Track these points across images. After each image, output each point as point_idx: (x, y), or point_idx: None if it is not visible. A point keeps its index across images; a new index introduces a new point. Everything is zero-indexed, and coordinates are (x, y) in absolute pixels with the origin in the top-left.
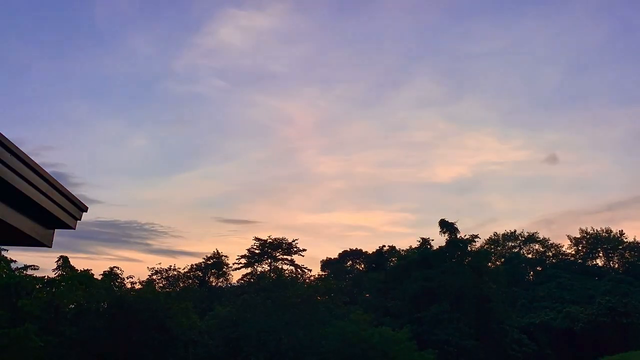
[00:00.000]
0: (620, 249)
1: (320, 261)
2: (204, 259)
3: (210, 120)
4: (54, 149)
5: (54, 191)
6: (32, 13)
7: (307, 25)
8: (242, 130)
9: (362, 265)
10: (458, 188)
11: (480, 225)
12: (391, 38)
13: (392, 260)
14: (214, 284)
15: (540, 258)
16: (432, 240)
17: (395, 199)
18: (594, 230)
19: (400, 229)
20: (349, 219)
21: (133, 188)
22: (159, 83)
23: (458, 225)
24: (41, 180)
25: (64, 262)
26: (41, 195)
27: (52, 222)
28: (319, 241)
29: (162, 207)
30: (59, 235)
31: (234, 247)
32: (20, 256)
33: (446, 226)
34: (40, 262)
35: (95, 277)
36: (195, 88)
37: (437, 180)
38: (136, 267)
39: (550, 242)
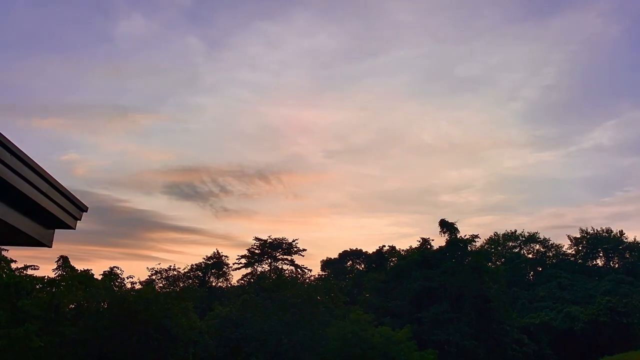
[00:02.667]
0: (620, 249)
1: (320, 261)
2: (204, 259)
3: (226, 128)
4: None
5: (54, 191)
6: (53, 27)
7: (326, 39)
8: (256, 136)
9: (362, 265)
10: (469, 190)
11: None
12: (407, 52)
13: (392, 260)
14: (214, 284)
15: (540, 258)
16: (432, 240)
17: (405, 203)
18: (594, 230)
19: (410, 230)
20: (357, 223)
21: None
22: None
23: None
24: (41, 180)
25: (64, 262)
26: (41, 195)
27: (52, 222)
28: (326, 243)
29: None
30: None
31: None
32: (20, 256)
33: (446, 226)
34: (40, 262)
35: (95, 277)
36: (215, 97)
37: (447, 182)
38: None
39: (550, 242)
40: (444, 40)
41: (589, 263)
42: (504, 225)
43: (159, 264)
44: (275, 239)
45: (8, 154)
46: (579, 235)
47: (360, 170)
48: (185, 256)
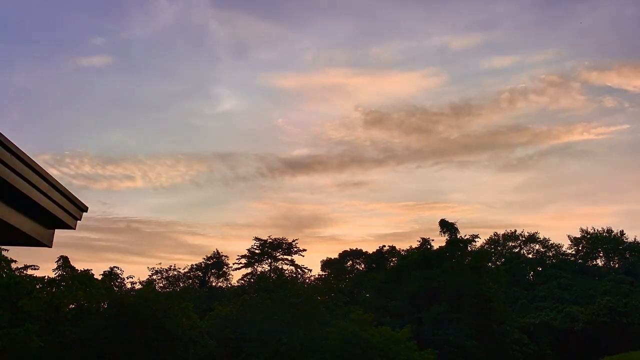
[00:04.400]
0: (620, 249)
1: (320, 261)
2: (204, 258)
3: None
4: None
5: (54, 191)
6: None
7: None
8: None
9: (362, 265)
10: (477, 188)
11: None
12: (416, 45)
13: (392, 260)
14: (214, 284)
15: (540, 258)
16: (432, 240)
17: (412, 202)
18: (594, 230)
19: (415, 229)
20: (361, 222)
21: None
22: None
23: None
24: (41, 180)
25: (64, 262)
26: (41, 195)
27: (52, 222)
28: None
29: None
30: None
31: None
32: (21, 256)
33: (446, 226)
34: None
35: (95, 277)
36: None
37: (456, 181)
38: None
39: (550, 242)
40: (458, 33)
41: (589, 263)
42: (511, 224)
43: (159, 263)
44: (275, 239)
45: (8, 154)
46: (579, 235)
47: (366, 169)
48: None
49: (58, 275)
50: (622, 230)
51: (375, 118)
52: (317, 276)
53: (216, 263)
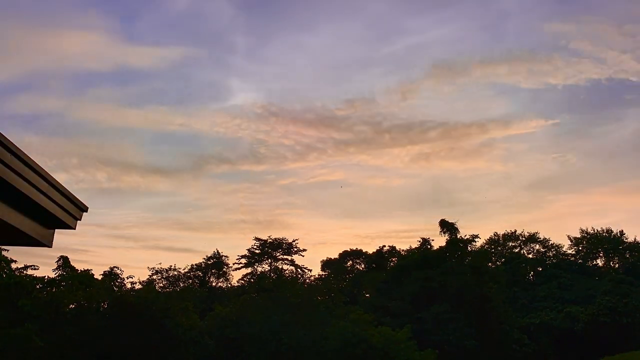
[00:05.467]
0: (620, 249)
1: (321, 261)
2: (204, 259)
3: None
4: None
5: (54, 191)
6: None
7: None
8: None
9: (362, 265)
10: (481, 188)
11: None
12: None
13: (392, 261)
14: (214, 284)
15: (540, 258)
16: (433, 240)
17: (416, 201)
18: (594, 231)
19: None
20: (364, 222)
21: None
22: None
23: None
24: (41, 180)
25: (64, 262)
26: (41, 195)
27: (52, 222)
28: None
29: None
30: None
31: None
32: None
33: (446, 226)
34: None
35: (95, 277)
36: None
37: (461, 180)
38: None
39: (550, 242)
40: (461, 26)
41: (589, 263)
42: (514, 224)
43: (159, 263)
44: (275, 239)
45: (8, 154)
46: (579, 235)
47: (368, 167)
48: None
49: (58, 275)
50: (622, 230)
51: (273, 112)
52: (317, 276)
53: (216, 263)
